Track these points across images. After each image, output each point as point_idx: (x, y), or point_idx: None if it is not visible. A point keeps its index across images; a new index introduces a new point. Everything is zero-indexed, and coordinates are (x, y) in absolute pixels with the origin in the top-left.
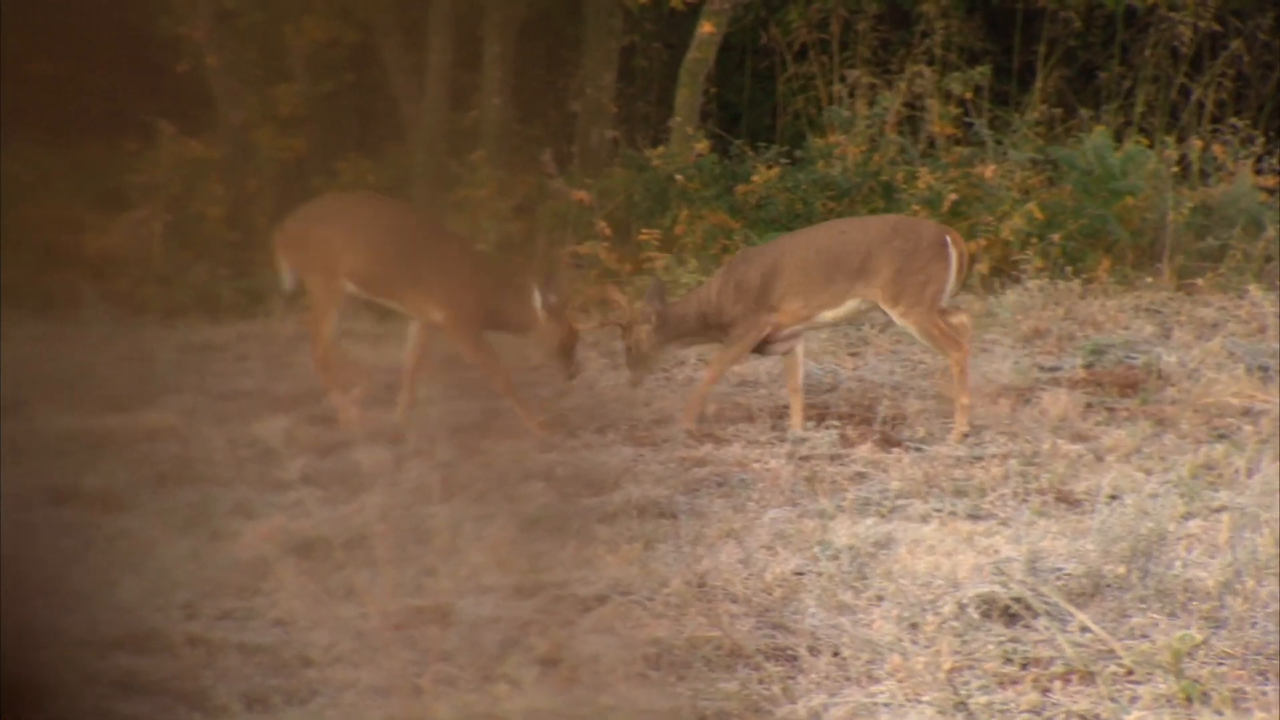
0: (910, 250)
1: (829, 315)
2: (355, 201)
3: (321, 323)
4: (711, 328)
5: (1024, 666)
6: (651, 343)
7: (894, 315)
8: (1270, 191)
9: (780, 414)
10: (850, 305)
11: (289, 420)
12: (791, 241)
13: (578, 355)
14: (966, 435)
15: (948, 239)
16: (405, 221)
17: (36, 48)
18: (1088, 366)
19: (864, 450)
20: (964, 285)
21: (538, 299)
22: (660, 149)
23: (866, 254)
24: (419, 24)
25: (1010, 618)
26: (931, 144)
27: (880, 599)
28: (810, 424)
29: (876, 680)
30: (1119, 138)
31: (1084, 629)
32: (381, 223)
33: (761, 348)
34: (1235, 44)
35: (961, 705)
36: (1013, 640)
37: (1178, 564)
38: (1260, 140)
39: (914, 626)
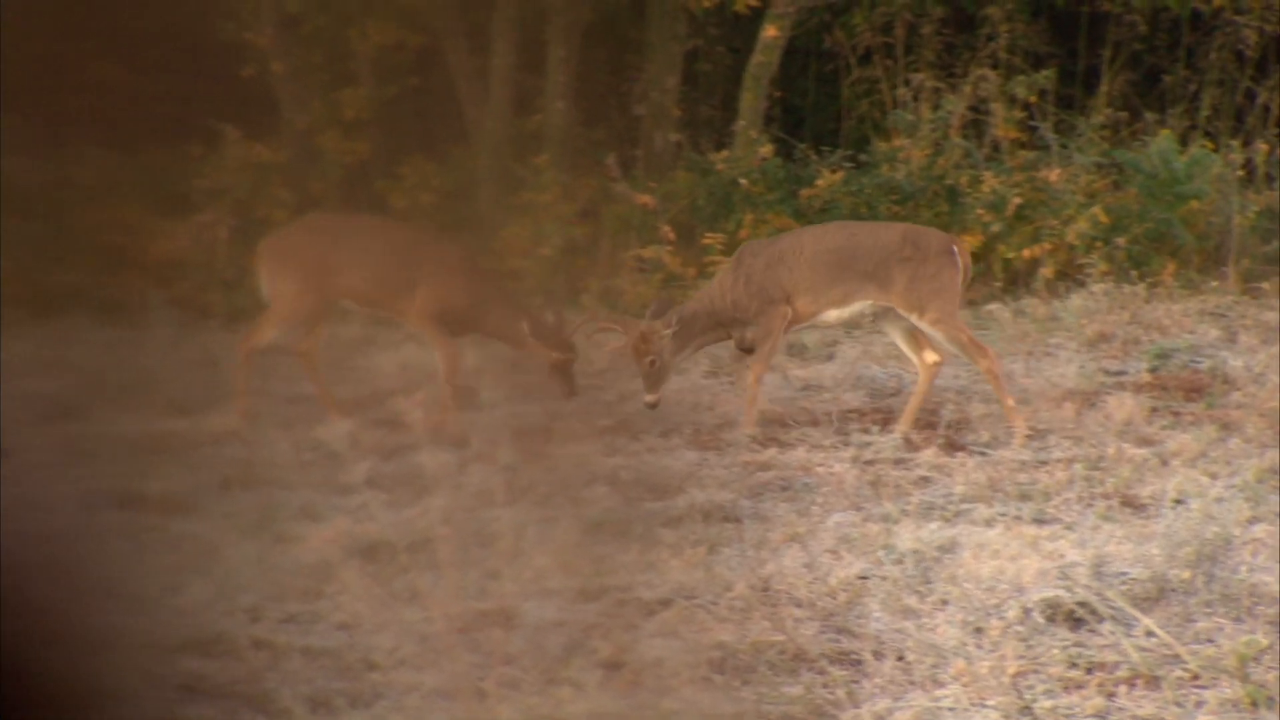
0: (920, 259)
1: (834, 314)
2: (349, 220)
3: (270, 329)
4: (723, 325)
5: (1089, 671)
6: (672, 350)
7: (923, 324)
8: None
9: (845, 418)
10: (856, 307)
11: (353, 424)
12: (801, 237)
13: (573, 377)
14: (1030, 437)
15: (954, 248)
16: (398, 237)
17: (102, 52)
18: (1153, 370)
19: (928, 454)
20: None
21: (525, 326)
22: (724, 153)
23: (878, 261)
24: (483, 28)
25: (1075, 622)
26: (996, 148)
27: (945, 603)
28: (875, 428)
29: (941, 684)
30: (1184, 141)
31: (1149, 633)
32: (375, 240)
33: (734, 332)
34: None
35: (1026, 710)
36: (1078, 645)
37: (1243, 568)
38: None
39: (979, 631)
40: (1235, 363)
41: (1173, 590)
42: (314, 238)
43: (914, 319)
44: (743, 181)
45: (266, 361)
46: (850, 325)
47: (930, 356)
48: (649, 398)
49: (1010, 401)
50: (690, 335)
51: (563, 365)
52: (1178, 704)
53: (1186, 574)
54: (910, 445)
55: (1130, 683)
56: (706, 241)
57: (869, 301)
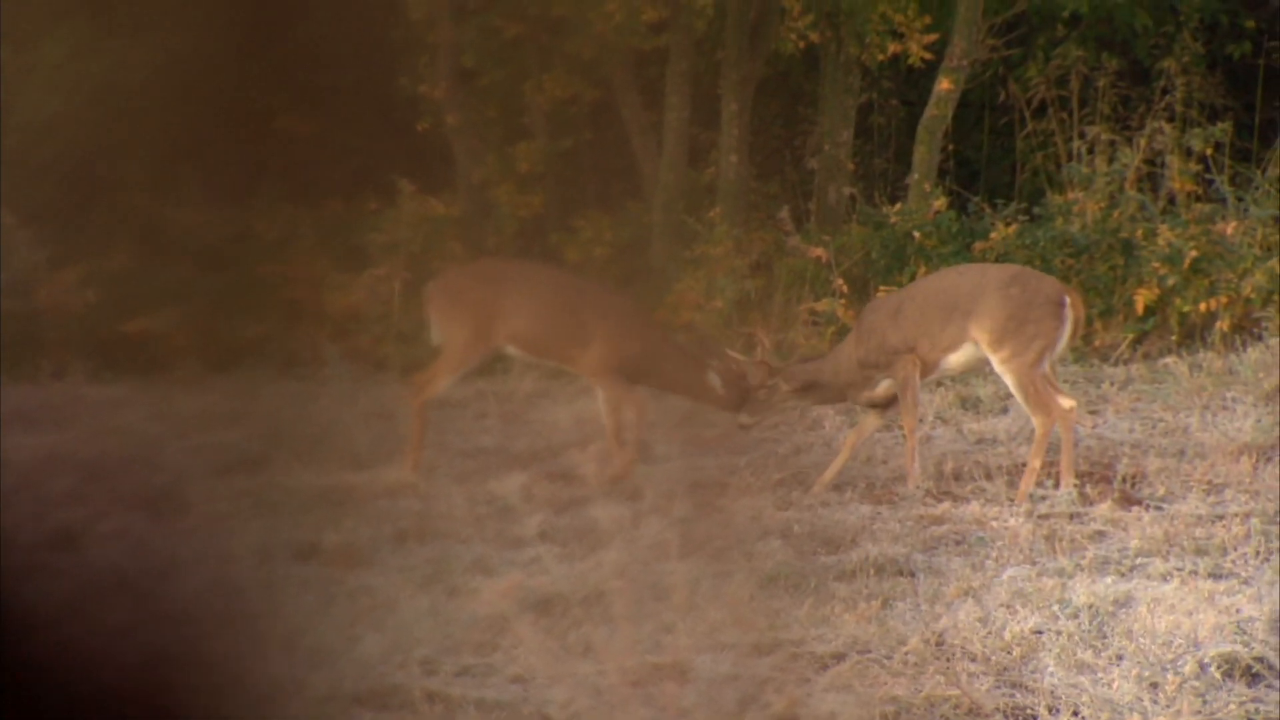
0: (1025, 300)
1: (953, 360)
2: (518, 265)
3: (444, 377)
4: (848, 386)
5: None
6: (779, 398)
7: (995, 361)
8: None
9: (1019, 472)
10: (969, 350)
11: (527, 477)
12: (915, 285)
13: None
14: (1206, 491)
15: (1066, 299)
16: (568, 285)
17: (285, 106)
18: None
19: (1103, 509)
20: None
21: (714, 379)
22: (898, 206)
23: (981, 297)
24: (657, 82)
25: (1252, 677)
26: (1171, 201)
27: (1120, 658)
28: (1049, 482)
29: None
30: None
31: None
32: (545, 288)
33: (853, 395)
34: None
35: None
36: (1254, 700)
37: None
38: None
39: (1154, 686)
40: None
41: None
42: (483, 281)
43: (990, 355)
44: (916, 235)
45: (440, 414)
46: (973, 372)
47: (1065, 403)
48: (744, 420)
49: (1038, 463)
50: (803, 392)
51: (741, 402)
52: None
53: None
54: (1085, 499)
55: None
56: (880, 295)
57: (976, 343)
